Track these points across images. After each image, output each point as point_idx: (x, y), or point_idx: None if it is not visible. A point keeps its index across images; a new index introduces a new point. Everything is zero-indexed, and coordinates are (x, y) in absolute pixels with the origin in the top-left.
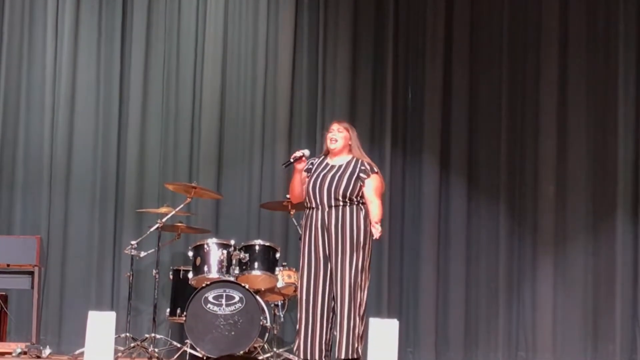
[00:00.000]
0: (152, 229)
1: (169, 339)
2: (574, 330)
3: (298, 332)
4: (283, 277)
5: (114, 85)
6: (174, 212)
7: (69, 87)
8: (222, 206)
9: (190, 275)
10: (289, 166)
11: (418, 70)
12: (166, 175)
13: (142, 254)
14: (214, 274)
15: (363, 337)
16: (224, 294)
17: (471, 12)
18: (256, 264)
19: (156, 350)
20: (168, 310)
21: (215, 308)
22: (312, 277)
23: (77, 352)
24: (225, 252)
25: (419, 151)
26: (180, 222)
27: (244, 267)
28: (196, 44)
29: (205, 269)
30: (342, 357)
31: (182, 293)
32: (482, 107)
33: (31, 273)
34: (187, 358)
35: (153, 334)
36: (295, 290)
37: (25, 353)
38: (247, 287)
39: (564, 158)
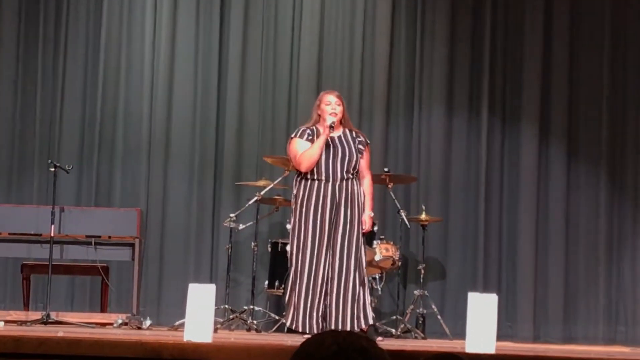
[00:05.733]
0: (250, 202)
1: (267, 311)
2: None
3: (294, 305)
4: (381, 250)
5: (213, 58)
6: (272, 185)
7: (167, 60)
8: None
9: (288, 247)
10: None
11: (517, 38)
12: (264, 148)
13: (241, 226)
14: None
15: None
16: None
17: None
18: None
19: (255, 322)
20: (266, 282)
21: None
22: (316, 250)
23: (177, 323)
24: None
25: (518, 120)
26: (279, 195)
27: None
28: (294, 15)
29: None
30: (348, 328)
31: (280, 265)
32: (583, 75)
33: (132, 245)
34: (285, 330)
35: (252, 306)
36: (393, 264)
37: (126, 324)
38: None
39: None
